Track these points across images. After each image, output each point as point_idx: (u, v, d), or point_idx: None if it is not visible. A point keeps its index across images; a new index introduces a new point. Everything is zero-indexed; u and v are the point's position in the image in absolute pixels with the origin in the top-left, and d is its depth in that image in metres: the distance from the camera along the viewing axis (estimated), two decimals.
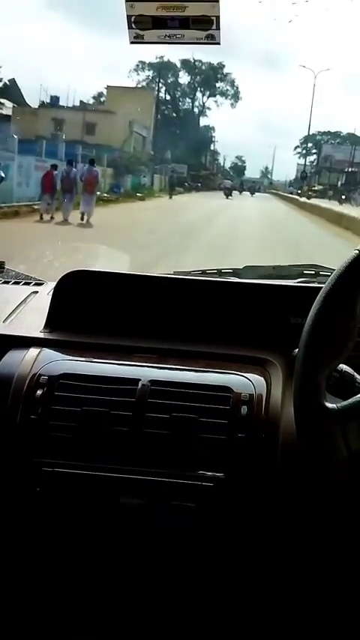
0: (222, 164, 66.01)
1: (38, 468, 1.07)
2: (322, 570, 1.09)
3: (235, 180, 52.74)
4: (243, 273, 1.56)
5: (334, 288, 0.80)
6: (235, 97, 51.50)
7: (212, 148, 54.03)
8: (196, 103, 51.67)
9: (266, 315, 1.24)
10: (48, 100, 33.79)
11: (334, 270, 0.84)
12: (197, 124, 50.77)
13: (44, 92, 37.12)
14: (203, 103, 51.84)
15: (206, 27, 1.07)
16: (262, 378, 1.14)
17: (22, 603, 1.17)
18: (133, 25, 1.07)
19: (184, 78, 51.23)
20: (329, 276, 0.84)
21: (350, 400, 0.77)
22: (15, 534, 1.12)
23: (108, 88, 39.80)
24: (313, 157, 59.87)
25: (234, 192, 39.84)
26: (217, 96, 51.81)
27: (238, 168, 71.75)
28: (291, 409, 0.85)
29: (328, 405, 0.78)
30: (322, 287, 0.84)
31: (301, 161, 60.71)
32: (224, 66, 51.71)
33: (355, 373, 0.84)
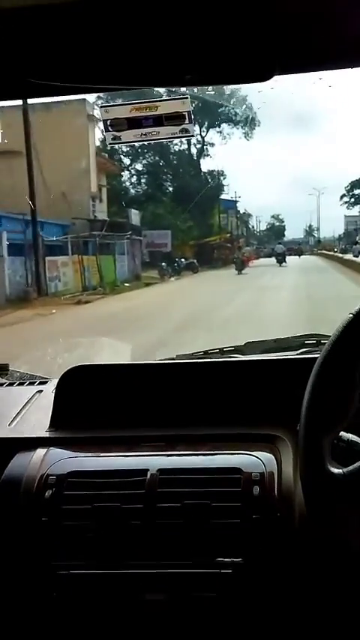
0: (254, 227, 53.60)
1: (53, 571, 1.05)
2: None
3: (273, 245, 39.81)
4: (245, 350, 1.56)
5: (330, 354, 0.80)
6: (250, 124, 27.55)
7: (236, 207, 37.49)
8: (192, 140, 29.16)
9: (271, 391, 1.23)
10: None
11: None
12: (197, 167, 32.04)
13: None
14: (202, 138, 31.25)
15: (179, 122, 1.13)
16: (272, 456, 1.12)
17: None
18: (110, 128, 1.13)
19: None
20: None
21: (356, 464, 0.75)
22: None
23: None
24: None
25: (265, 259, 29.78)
26: (223, 124, 30.53)
27: (277, 230, 58.92)
28: None
29: (334, 470, 0.76)
30: None
31: (351, 212, 49.18)
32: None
33: None
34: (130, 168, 31.18)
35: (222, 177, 33.30)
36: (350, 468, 0.76)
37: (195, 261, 23.76)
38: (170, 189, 31.39)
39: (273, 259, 29.24)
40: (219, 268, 25.47)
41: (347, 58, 0.95)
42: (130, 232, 21.27)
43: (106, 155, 24.38)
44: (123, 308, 12.21)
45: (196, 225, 28.49)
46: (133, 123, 1.13)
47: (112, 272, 19.06)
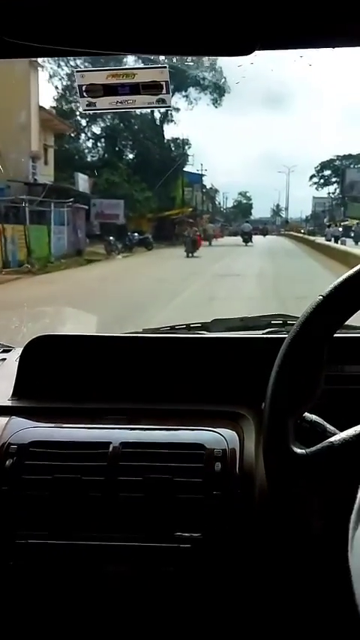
0: (220, 204, 51.26)
1: (11, 540, 1.04)
2: (305, 624, 1.06)
3: (239, 223, 39.92)
4: (212, 327, 1.56)
5: (298, 335, 0.80)
6: (219, 90, 25.26)
7: (202, 182, 34.77)
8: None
9: (236, 369, 1.24)
10: None
11: None
12: (159, 133, 29.40)
13: None
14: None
15: (156, 92, 1.11)
16: (235, 433, 1.13)
17: None
18: (85, 94, 1.11)
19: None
20: None
21: (320, 445, 0.76)
22: None
23: None
24: (333, 187, 47.81)
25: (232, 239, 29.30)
26: (190, 88, 26.38)
27: (243, 208, 56.91)
28: None
29: (297, 450, 0.77)
30: None
31: (319, 193, 48.66)
32: None
33: (326, 423, 0.84)
34: (86, 130, 28.21)
35: (187, 147, 30.89)
36: (313, 448, 0.77)
37: (149, 236, 21.14)
38: (130, 155, 29.16)
39: (238, 238, 28.60)
40: (178, 246, 21.00)
41: (329, 38, 0.94)
42: (71, 199, 18.09)
43: (54, 112, 21.57)
44: (33, 296, 8.36)
45: (155, 197, 25.71)
46: (109, 90, 1.11)
47: (46, 245, 15.86)
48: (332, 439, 0.76)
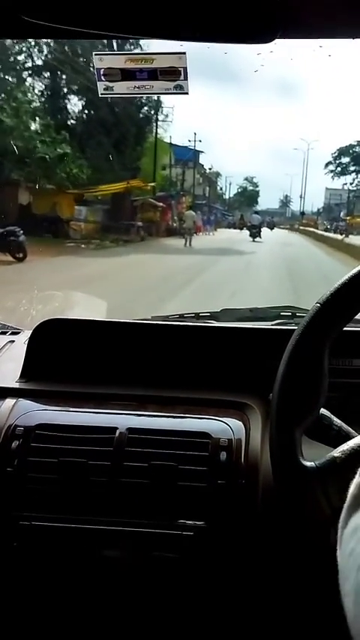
0: (222, 189, 43.07)
1: (15, 522, 1.05)
2: (305, 616, 1.06)
3: (244, 212, 33.48)
4: (220, 317, 1.56)
5: (297, 346, 0.79)
6: None
7: (197, 159, 28.35)
8: None
9: (244, 359, 1.24)
10: None
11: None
12: None
13: None
14: None
15: (174, 78, 1.10)
16: (241, 423, 1.13)
17: None
18: (103, 78, 1.10)
19: None
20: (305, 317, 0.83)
21: (328, 456, 0.76)
22: None
23: None
24: (351, 177, 41.93)
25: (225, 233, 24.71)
26: None
27: (249, 195, 48.27)
28: None
29: (306, 463, 0.76)
30: None
31: (333, 184, 42.81)
32: None
33: (332, 416, 0.84)
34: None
35: (159, 110, 21.43)
36: (322, 460, 0.75)
37: (18, 230, 10.98)
38: (74, 99, 20.34)
39: (238, 232, 23.79)
40: (131, 243, 14.53)
41: (349, 28, 0.94)
42: None
43: None
44: None
45: (98, 163, 16.57)
46: (127, 74, 1.10)
47: None
48: (338, 450, 0.76)
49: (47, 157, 14.09)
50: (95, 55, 1.10)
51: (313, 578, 1.00)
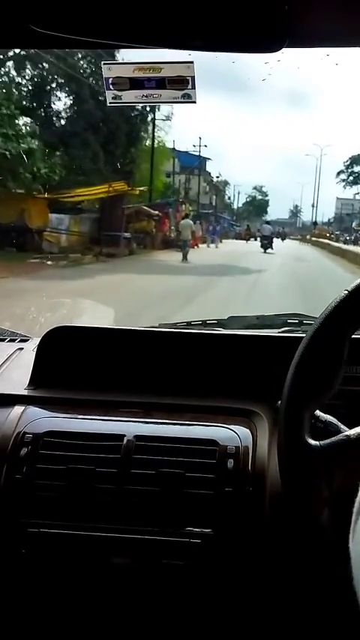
0: (230, 198, 42.04)
1: (24, 529, 1.05)
2: (312, 625, 1.06)
3: (253, 222, 32.47)
4: (228, 324, 1.56)
5: (322, 328, 0.80)
6: None
7: (204, 166, 27.13)
8: None
9: (251, 366, 1.24)
10: None
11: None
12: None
13: None
14: None
15: (182, 87, 1.11)
16: (248, 430, 1.13)
17: None
18: (111, 87, 1.11)
19: None
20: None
21: (334, 438, 0.76)
22: (1, 598, 1.09)
23: None
24: None
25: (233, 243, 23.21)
26: None
27: (258, 205, 47.35)
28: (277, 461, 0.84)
29: (311, 442, 0.76)
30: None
31: (346, 194, 41.89)
32: None
33: (339, 423, 0.84)
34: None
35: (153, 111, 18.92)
36: (328, 441, 0.76)
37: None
38: (60, 94, 17.32)
39: (244, 243, 22.67)
40: (115, 258, 12.65)
41: (356, 37, 0.94)
42: None
43: None
44: None
45: (78, 163, 14.35)
46: (135, 83, 1.11)
47: None
48: (347, 433, 0.76)
49: (7, 153, 11.11)
50: (104, 64, 1.11)
51: (320, 586, 0.99)
